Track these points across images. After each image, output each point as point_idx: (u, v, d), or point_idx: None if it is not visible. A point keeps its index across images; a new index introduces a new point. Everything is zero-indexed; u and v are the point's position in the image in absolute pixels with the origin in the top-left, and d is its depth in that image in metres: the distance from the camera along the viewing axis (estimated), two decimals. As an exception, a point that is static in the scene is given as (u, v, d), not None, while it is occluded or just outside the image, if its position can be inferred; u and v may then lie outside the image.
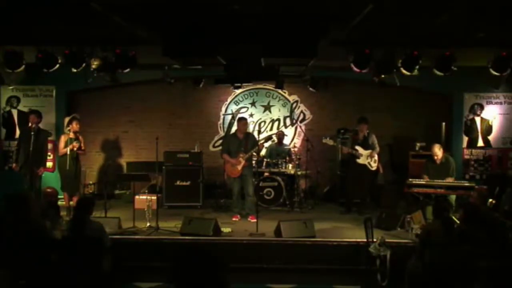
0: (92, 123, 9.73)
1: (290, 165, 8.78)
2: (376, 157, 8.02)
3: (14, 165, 7.70)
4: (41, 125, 7.93)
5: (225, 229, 6.62)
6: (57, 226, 5.52)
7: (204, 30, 6.27)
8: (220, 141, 9.77)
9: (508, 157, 9.32)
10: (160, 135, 7.47)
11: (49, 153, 8.93)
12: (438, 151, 7.47)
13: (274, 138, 8.98)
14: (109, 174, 8.58)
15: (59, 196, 8.26)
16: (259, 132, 8.08)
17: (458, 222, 5.11)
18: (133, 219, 6.74)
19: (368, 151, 7.93)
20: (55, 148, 8.62)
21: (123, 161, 10.00)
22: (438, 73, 6.84)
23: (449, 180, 7.33)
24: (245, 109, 10.11)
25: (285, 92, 9.99)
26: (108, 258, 4.68)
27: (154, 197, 7.53)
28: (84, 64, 6.88)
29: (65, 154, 7.48)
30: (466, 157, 9.38)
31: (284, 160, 8.84)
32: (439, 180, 7.27)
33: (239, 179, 7.58)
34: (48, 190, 6.79)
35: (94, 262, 4.44)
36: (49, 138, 8.92)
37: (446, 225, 4.64)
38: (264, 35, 6.26)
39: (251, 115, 10.03)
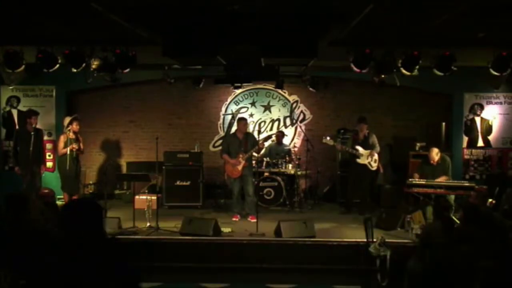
0: (92, 123, 9.73)
1: (290, 165, 8.78)
2: (376, 156, 8.01)
3: (16, 168, 7.66)
4: (40, 125, 7.94)
5: (225, 229, 6.62)
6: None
7: (204, 30, 6.26)
8: (220, 141, 9.75)
9: (508, 157, 9.31)
10: (160, 135, 7.47)
11: (49, 153, 8.96)
12: (435, 156, 7.41)
13: (273, 137, 8.99)
14: (109, 174, 8.58)
15: (59, 196, 8.30)
16: (259, 132, 8.08)
17: (458, 222, 5.11)
18: (133, 219, 6.75)
19: (368, 151, 7.92)
20: (55, 148, 8.61)
21: (123, 161, 10.01)
22: (438, 73, 6.83)
23: (444, 178, 7.32)
24: (245, 109, 10.10)
25: (285, 92, 9.98)
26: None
27: (154, 197, 7.54)
28: (84, 64, 6.87)
29: (65, 154, 7.50)
30: (466, 157, 9.37)
31: (284, 160, 8.84)
32: (437, 179, 7.27)
33: (239, 179, 7.57)
34: (45, 191, 6.79)
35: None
36: (49, 138, 8.94)
37: (446, 225, 4.64)
38: (264, 35, 6.26)
39: (251, 115, 10.03)
